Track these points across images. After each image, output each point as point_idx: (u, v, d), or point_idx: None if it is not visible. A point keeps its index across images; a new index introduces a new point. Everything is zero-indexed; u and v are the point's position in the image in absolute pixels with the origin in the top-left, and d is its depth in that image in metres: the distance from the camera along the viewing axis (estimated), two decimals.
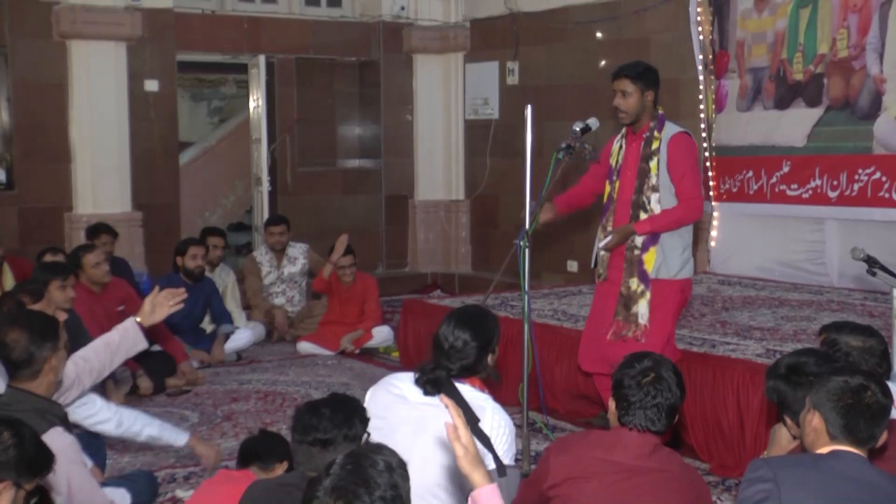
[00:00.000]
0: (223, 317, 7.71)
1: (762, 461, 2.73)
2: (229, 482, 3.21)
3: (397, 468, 2.23)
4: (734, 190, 8.18)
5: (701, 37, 8.32)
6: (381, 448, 2.30)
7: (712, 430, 5.00)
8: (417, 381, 3.45)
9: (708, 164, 8.30)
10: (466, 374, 3.49)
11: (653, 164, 4.88)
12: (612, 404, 3.11)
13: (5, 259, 7.31)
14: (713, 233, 8.37)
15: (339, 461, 2.25)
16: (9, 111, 8.91)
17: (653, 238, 4.89)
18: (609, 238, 4.93)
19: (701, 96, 8.36)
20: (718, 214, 8.34)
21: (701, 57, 8.33)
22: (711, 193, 8.29)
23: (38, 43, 8.76)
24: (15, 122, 8.83)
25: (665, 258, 4.91)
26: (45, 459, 2.73)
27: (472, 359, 3.47)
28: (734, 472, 4.83)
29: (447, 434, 2.44)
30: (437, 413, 3.40)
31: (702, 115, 8.35)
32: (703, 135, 8.30)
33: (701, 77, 8.34)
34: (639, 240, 4.90)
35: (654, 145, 4.88)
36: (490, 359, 3.56)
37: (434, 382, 3.41)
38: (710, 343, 5.62)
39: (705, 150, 8.31)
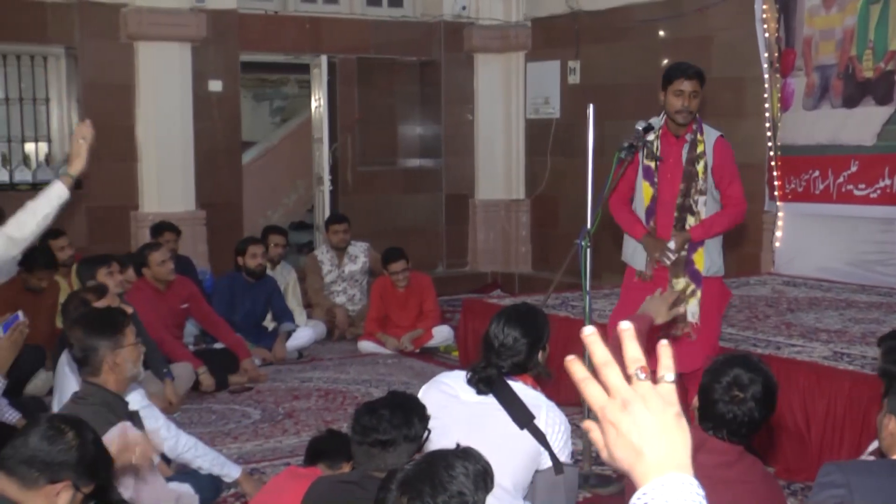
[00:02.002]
0: (284, 315, 7.77)
1: (835, 465, 2.66)
2: (296, 479, 3.24)
3: (474, 475, 2.20)
4: (799, 190, 8.05)
5: (766, 34, 8.19)
6: (467, 453, 2.29)
7: (778, 433, 4.93)
8: (470, 381, 3.45)
9: (773, 163, 8.18)
10: (518, 371, 3.49)
11: (699, 167, 4.85)
12: (696, 401, 3.06)
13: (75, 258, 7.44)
14: (778, 233, 8.25)
15: (418, 457, 2.26)
16: (78, 112, 9.08)
17: (696, 242, 4.90)
18: (674, 244, 4.86)
19: (766, 95, 8.23)
20: (783, 215, 8.21)
21: (766, 55, 8.20)
22: (776, 193, 8.16)
23: (107, 44, 8.91)
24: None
25: (712, 257, 4.95)
26: (104, 463, 2.73)
27: (523, 356, 3.47)
28: (800, 476, 4.76)
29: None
30: (490, 412, 3.39)
31: (766, 114, 8.23)
32: (769, 134, 8.18)
33: (766, 75, 8.21)
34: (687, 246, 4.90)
35: (700, 148, 4.86)
36: (541, 356, 3.55)
37: (486, 381, 3.42)
38: (774, 345, 5.54)
39: (770, 149, 8.19)
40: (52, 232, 7.45)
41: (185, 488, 4.19)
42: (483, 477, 2.24)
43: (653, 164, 4.92)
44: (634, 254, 5.03)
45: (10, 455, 2.56)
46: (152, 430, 4.06)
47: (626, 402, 1.29)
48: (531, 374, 3.57)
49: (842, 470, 2.60)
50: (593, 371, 1.35)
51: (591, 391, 1.32)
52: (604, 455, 1.33)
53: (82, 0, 8.76)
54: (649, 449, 1.27)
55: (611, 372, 1.30)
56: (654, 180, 4.93)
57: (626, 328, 1.30)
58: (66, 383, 4.59)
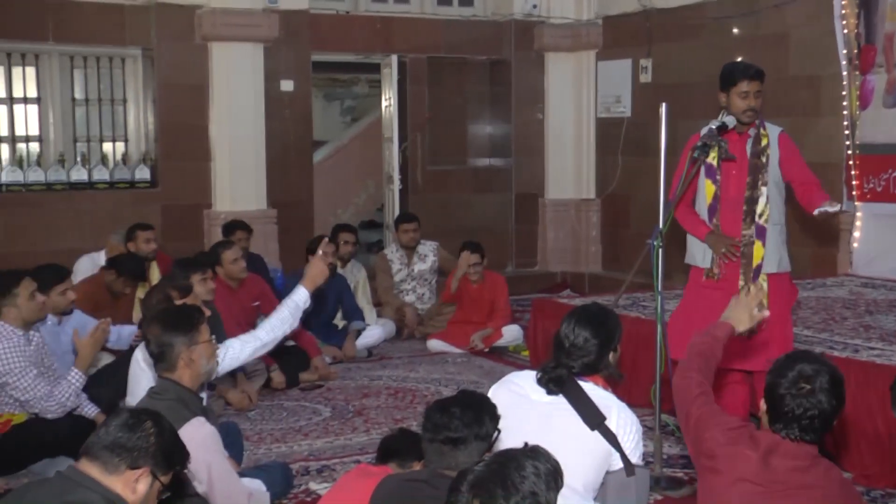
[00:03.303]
0: (355, 313, 7.81)
1: None
2: (366, 477, 3.25)
3: (545, 475, 2.19)
4: (878, 189, 7.86)
5: (845, 31, 8.01)
6: (536, 452, 2.28)
7: (856, 437, 4.82)
8: (540, 381, 3.44)
9: (850, 162, 8.00)
10: (588, 371, 3.47)
11: (764, 159, 4.88)
12: (763, 404, 3.00)
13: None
14: (856, 234, 8.06)
15: (488, 458, 2.25)
16: (154, 111, 9.23)
17: (763, 234, 4.87)
18: (837, 206, 4.76)
19: (844, 93, 8.05)
20: (861, 215, 8.02)
21: (845, 51, 8.02)
22: (854, 193, 7.98)
23: (182, 45, 9.06)
24: (159, 122, 9.16)
25: (781, 252, 4.93)
26: (181, 454, 2.81)
27: (594, 356, 3.45)
28: (879, 482, 4.65)
29: None
30: (560, 412, 3.37)
31: (844, 112, 8.05)
32: (846, 132, 8.00)
33: (844, 73, 8.03)
34: (754, 237, 4.86)
35: (764, 142, 4.89)
36: (612, 357, 3.53)
37: (556, 381, 3.40)
38: (852, 347, 5.42)
39: (847, 148, 8.01)
40: (142, 224, 7.63)
41: (257, 484, 4.23)
42: (554, 476, 2.23)
43: (715, 162, 4.88)
44: (705, 254, 4.97)
45: (94, 442, 2.68)
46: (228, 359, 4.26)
47: None
48: (602, 375, 3.54)
49: None
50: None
51: None
52: None
53: (159, 2, 8.92)
54: None
55: None
56: (717, 178, 4.93)
57: None
58: (140, 378, 4.68)
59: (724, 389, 5.04)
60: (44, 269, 5.54)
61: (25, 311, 4.97)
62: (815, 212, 4.75)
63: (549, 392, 3.40)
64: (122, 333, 6.01)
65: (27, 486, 2.84)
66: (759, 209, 4.86)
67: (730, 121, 4.84)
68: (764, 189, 4.86)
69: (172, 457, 2.76)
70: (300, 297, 4.46)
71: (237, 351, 4.32)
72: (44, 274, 5.42)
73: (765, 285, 4.86)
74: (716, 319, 4.88)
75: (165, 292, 4.91)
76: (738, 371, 5.01)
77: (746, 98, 4.80)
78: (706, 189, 4.96)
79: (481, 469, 2.20)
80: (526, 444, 2.36)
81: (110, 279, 6.63)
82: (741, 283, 4.86)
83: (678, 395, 3.26)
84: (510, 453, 2.26)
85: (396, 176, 10.23)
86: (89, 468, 2.65)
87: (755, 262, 4.87)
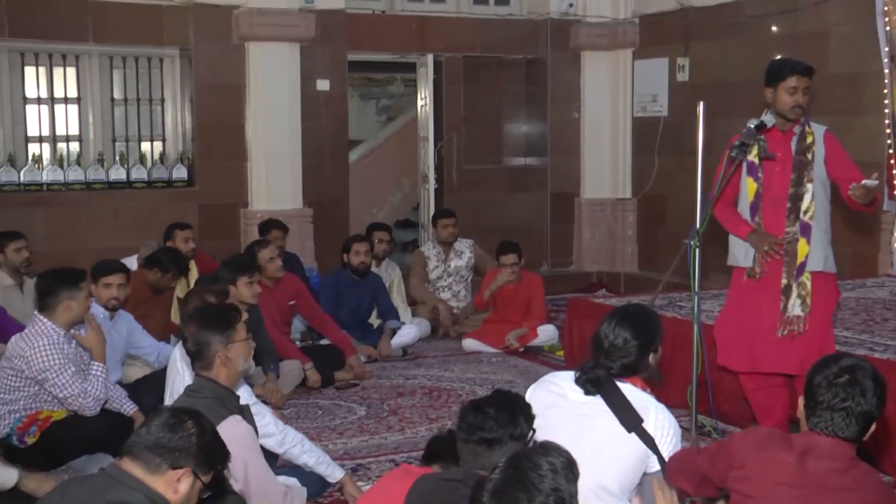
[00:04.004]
0: (390, 312, 7.83)
1: None
2: (405, 477, 3.25)
3: (562, 469, 2.19)
4: None
5: (888, 27, 7.90)
6: (547, 449, 2.27)
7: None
8: (578, 381, 3.41)
9: (892, 161, 7.89)
10: (627, 373, 3.44)
11: (810, 156, 4.80)
12: (801, 403, 2.97)
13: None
14: None
15: (502, 464, 2.23)
16: (191, 111, 9.30)
17: (808, 231, 4.80)
18: (875, 182, 4.60)
19: (886, 90, 7.94)
20: None
21: (887, 49, 7.91)
22: None
23: (219, 45, 9.12)
24: (196, 122, 9.22)
25: (826, 252, 4.85)
26: (221, 454, 2.83)
27: (633, 357, 3.42)
28: None
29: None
30: (598, 412, 3.35)
31: (886, 111, 7.94)
32: (888, 131, 7.90)
33: (886, 70, 7.92)
34: (798, 234, 4.80)
35: (809, 139, 4.81)
36: (652, 358, 3.49)
37: (594, 381, 3.38)
38: (893, 349, 5.35)
39: (889, 146, 7.90)
40: (180, 224, 7.70)
41: (293, 482, 4.24)
42: (570, 468, 2.23)
43: (756, 160, 4.82)
44: (747, 253, 4.92)
45: (135, 442, 2.71)
46: (260, 425, 4.13)
47: None
48: (641, 376, 3.51)
49: None
50: None
51: None
52: None
53: (197, 2, 8.98)
54: None
55: None
56: (758, 175, 4.86)
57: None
58: (177, 376, 4.71)
59: (764, 392, 5.00)
60: (99, 263, 5.73)
61: (77, 312, 5.03)
62: (850, 188, 4.62)
63: (587, 392, 3.38)
64: (163, 352, 6.04)
65: (70, 482, 2.87)
66: (804, 206, 4.79)
67: (769, 119, 4.79)
68: (809, 186, 4.78)
69: (213, 457, 2.78)
70: (333, 476, 4.51)
71: (288, 440, 4.42)
72: (98, 266, 5.62)
73: (808, 284, 4.80)
74: (759, 319, 4.84)
75: (203, 297, 4.93)
76: (777, 375, 4.97)
77: (794, 94, 4.72)
78: (748, 187, 4.89)
79: (498, 476, 2.19)
80: (534, 443, 2.35)
81: (154, 276, 6.66)
82: (784, 281, 4.82)
83: (680, 469, 3.22)
84: (522, 455, 2.25)
85: (432, 175, 10.24)
86: (131, 467, 2.68)
87: (799, 259, 4.80)
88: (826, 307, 4.89)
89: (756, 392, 5.05)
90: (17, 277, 6.72)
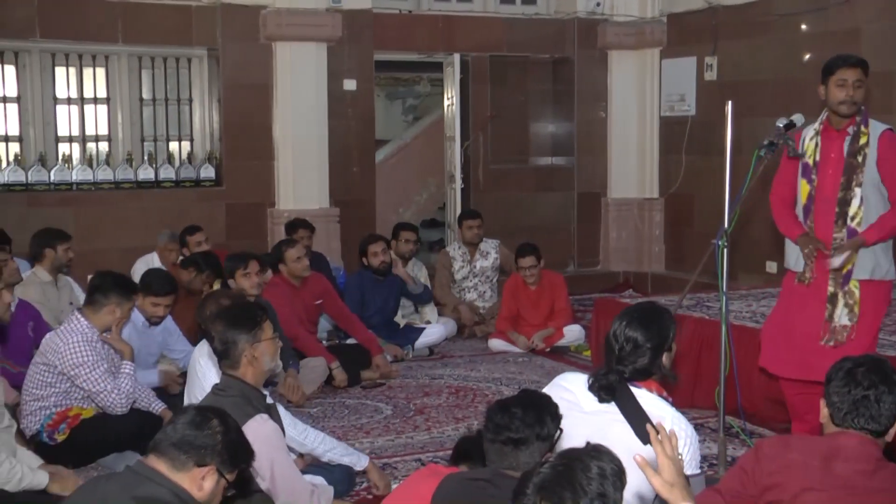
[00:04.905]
0: (423, 294, 7.94)
1: None
2: (432, 476, 3.25)
3: (611, 476, 2.17)
4: None
5: None
6: (600, 452, 2.25)
7: None
8: (591, 387, 3.32)
9: None
10: (641, 377, 3.33)
11: (860, 158, 4.64)
12: (823, 408, 2.94)
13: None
14: None
15: (552, 459, 2.22)
16: (219, 111, 9.35)
17: (854, 236, 4.66)
18: (843, 256, 4.60)
19: None
20: None
21: None
22: None
23: (247, 45, 9.16)
24: (224, 122, 9.26)
25: (877, 259, 4.70)
26: (245, 452, 2.85)
27: (647, 360, 3.31)
28: None
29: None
30: (613, 422, 3.28)
31: None
32: None
33: None
34: (845, 239, 4.67)
35: (863, 140, 4.65)
36: (666, 358, 3.37)
37: (608, 388, 3.28)
38: None
39: None
40: (190, 228, 7.74)
41: (319, 480, 4.26)
42: (619, 476, 2.21)
43: (811, 161, 4.74)
44: (798, 258, 4.83)
45: (162, 439, 2.74)
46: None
47: None
48: (656, 378, 3.40)
49: None
50: None
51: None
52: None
53: (224, 3, 9.02)
54: None
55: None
56: (812, 177, 4.74)
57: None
58: (197, 380, 4.75)
59: (802, 398, 4.91)
60: (154, 280, 5.82)
61: (118, 318, 5.14)
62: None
63: (601, 400, 3.29)
64: (193, 355, 6.10)
65: (97, 479, 2.90)
66: (851, 211, 4.64)
67: (797, 118, 4.73)
68: (857, 190, 4.62)
69: (238, 455, 2.80)
70: (360, 463, 4.56)
71: (309, 440, 4.45)
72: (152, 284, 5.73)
73: (856, 292, 4.67)
74: (805, 319, 4.76)
75: (219, 302, 4.93)
76: (820, 383, 4.90)
77: (844, 87, 4.58)
78: (801, 189, 4.78)
79: (547, 471, 2.18)
80: (588, 444, 2.33)
81: (188, 276, 6.68)
82: (830, 289, 4.70)
83: None
84: (575, 454, 2.23)
85: (458, 175, 10.24)
86: (158, 464, 2.71)
87: (846, 267, 4.67)
88: (874, 316, 4.74)
89: (794, 397, 4.97)
90: (54, 274, 6.80)
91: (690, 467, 3.31)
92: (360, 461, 4.55)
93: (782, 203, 4.91)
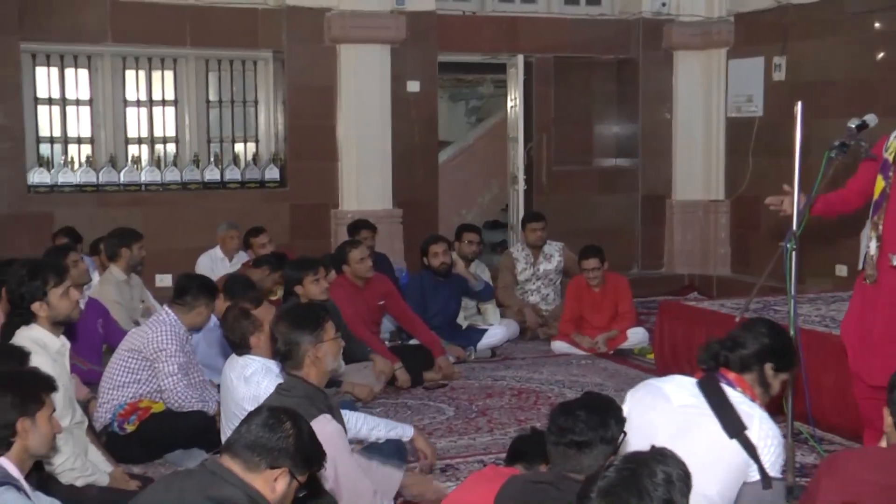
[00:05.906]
0: (484, 291, 7.97)
1: None
2: (492, 478, 3.24)
3: (677, 481, 2.15)
4: None
5: None
6: (665, 456, 2.23)
7: None
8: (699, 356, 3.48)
9: None
10: (739, 367, 3.45)
11: None
12: (887, 416, 2.87)
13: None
14: None
15: (617, 463, 2.20)
16: (283, 113, 9.44)
17: None
18: None
19: None
20: None
21: None
22: None
23: (311, 48, 9.23)
24: (288, 123, 9.35)
25: None
26: (318, 454, 2.86)
27: (750, 352, 3.46)
28: None
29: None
30: (700, 416, 3.29)
31: None
32: None
33: None
34: None
35: None
36: (772, 374, 3.51)
37: (714, 356, 3.45)
38: None
39: None
40: (254, 229, 7.82)
41: (375, 465, 4.28)
42: (685, 481, 2.18)
43: (890, 158, 4.63)
44: (863, 258, 4.74)
45: (235, 440, 2.77)
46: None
47: None
48: (748, 377, 3.49)
49: None
50: None
51: None
52: None
53: (290, 5, 9.11)
54: None
55: None
56: (889, 174, 4.62)
57: None
58: (229, 394, 4.75)
59: (870, 402, 4.79)
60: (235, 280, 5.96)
61: (203, 319, 5.40)
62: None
63: (699, 362, 3.44)
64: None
65: (174, 475, 2.93)
66: None
67: (870, 119, 4.64)
68: None
69: (310, 457, 2.82)
70: (406, 434, 4.57)
71: (352, 423, 4.43)
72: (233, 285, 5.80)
73: None
74: (872, 326, 4.65)
75: (240, 307, 4.86)
76: (881, 388, 4.78)
77: None
78: (877, 185, 4.64)
79: (612, 475, 2.15)
80: (653, 447, 2.30)
81: (261, 275, 6.69)
82: None
83: None
84: (640, 458, 2.21)
85: (521, 176, 10.21)
86: (231, 464, 2.73)
87: None
88: None
89: (864, 401, 4.87)
90: (128, 272, 6.93)
91: (774, 470, 3.29)
92: (405, 432, 4.56)
93: (847, 188, 4.80)
